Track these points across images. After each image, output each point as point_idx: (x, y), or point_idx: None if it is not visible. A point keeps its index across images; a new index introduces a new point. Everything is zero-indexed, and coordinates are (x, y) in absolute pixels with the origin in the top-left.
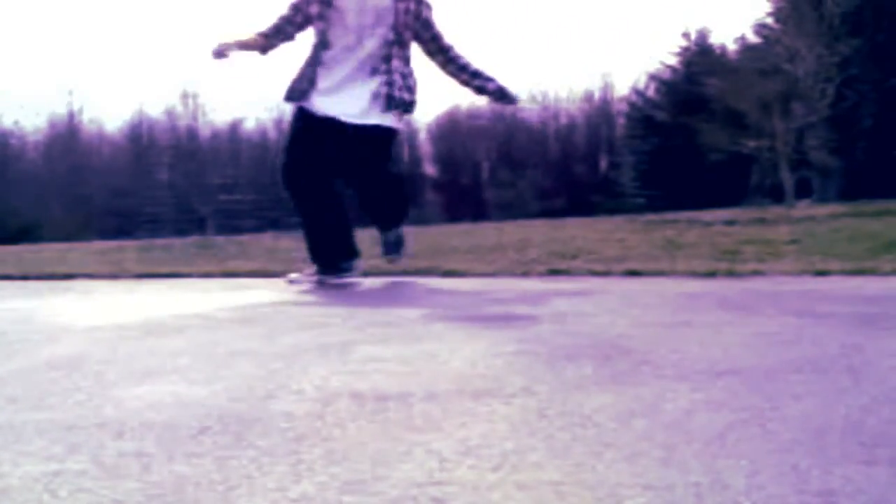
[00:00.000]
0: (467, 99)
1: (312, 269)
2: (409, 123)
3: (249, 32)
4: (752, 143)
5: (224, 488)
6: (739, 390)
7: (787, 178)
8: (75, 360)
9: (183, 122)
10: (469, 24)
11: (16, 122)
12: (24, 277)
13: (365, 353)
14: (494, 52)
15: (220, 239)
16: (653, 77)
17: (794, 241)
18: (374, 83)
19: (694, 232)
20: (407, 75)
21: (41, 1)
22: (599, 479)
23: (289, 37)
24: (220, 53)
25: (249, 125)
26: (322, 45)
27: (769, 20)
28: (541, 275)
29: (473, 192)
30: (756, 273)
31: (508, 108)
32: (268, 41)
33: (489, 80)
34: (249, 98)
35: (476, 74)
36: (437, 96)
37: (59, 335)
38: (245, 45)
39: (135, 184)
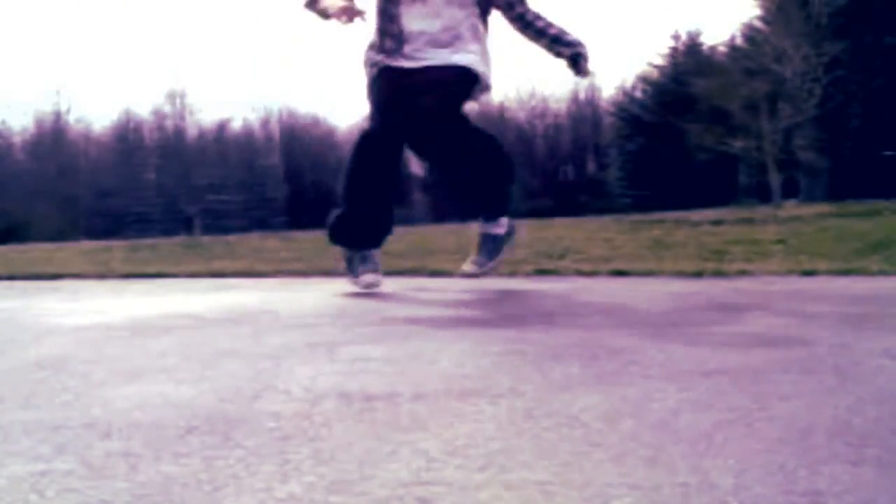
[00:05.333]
0: None
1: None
2: None
3: None
4: (739, 143)
5: (211, 488)
6: (727, 390)
7: (775, 178)
8: (62, 360)
9: (170, 122)
10: None
11: (3, 122)
12: (11, 277)
13: (352, 353)
14: None
15: (207, 239)
16: (641, 77)
17: (781, 241)
18: None
19: (681, 232)
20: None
21: (28, 1)
22: (587, 479)
23: None
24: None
25: (236, 125)
26: None
27: (757, 21)
28: (528, 275)
29: None
30: (743, 273)
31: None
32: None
33: (567, 45)
34: (236, 98)
35: (555, 41)
36: None
37: (45, 335)
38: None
39: (122, 184)
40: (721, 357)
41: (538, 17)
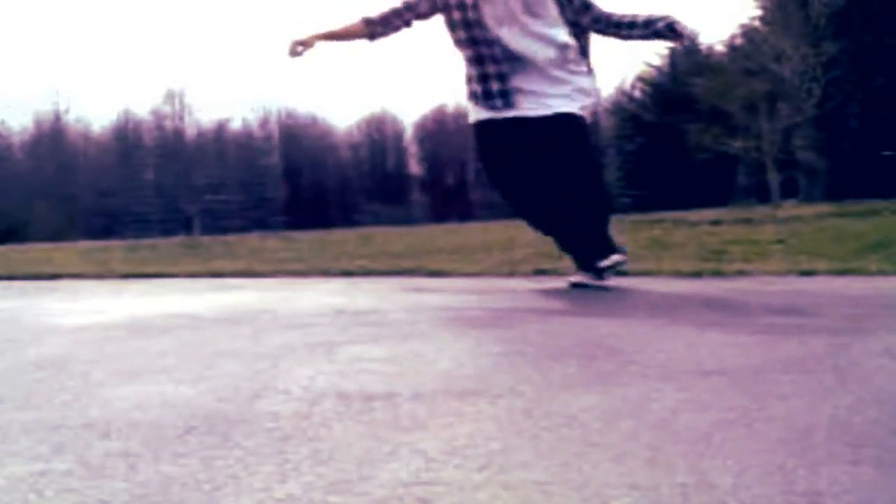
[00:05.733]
0: (453, 98)
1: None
2: (395, 122)
3: (351, 20)
4: (738, 143)
5: (210, 488)
6: (725, 390)
7: (774, 178)
8: (61, 360)
9: (169, 122)
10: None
11: (2, 122)
12: (10, 277)
13: (351, 353)
14: None
15: (206, 239)
16: (639, 77)
17: (780, 241)
18: None
19: (680, 232)
20: None
21: (27, 1)
22: (585, 479)
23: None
24: (295, 53)
25: (235, 125)
26: None
27: (755, 21)
28: (527, 275)
29: (459, 192)
30: (742, 273)
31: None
32: (373, 28)
33: (658, 19)
34: (235, 98)
35: (648, 24)
36: (422, 95)
37: (45, 335)
38: (341, 35)
39: (121, 184)
40: (720, 357)
41: (622, 15)
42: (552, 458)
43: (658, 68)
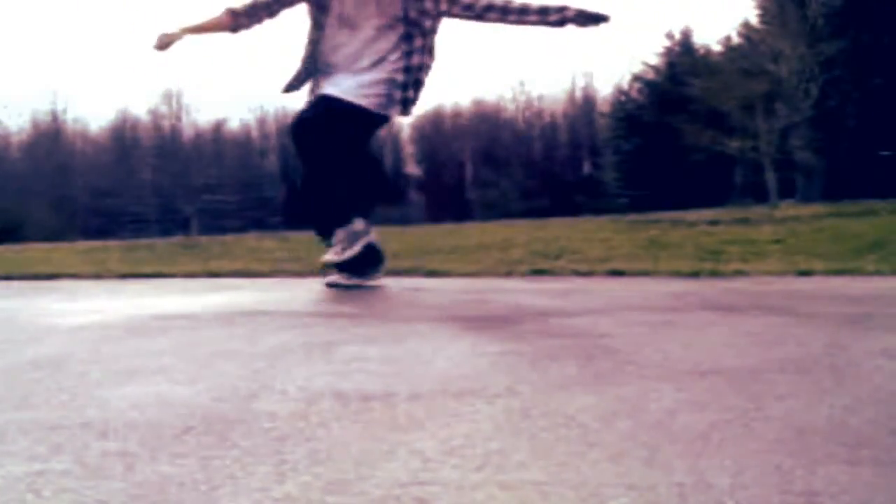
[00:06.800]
0: (450, 98)
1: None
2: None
3: (215, 12)
4: (735, 143)
5: (207, 488)
6: (723, 390)
7: (771, 178)
8: (59, 360)
9: (166, 122)
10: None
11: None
12: (8, 277)
13: (348, 353)
14: (478, 50)
15: (204, 239)
16: (636, 77)
17: (777, 241)
18: None
19: (677, 232)
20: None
21: (25, 1)
22: (583, 479)
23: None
24: (162, 46)
25: (233, 125)
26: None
27: (753, 20)
28: (524, 275)
29: (457, 192)
30: (739, 273)
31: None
32: (237, 20)
33: (562, 9)
34: (233, 98)
35: (545, 11)
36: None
37: (42, 335)
38: (208, 28)
39: (118, 183)
40: (717, 357)
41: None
42: (550, 457)
43: (655, 68)
